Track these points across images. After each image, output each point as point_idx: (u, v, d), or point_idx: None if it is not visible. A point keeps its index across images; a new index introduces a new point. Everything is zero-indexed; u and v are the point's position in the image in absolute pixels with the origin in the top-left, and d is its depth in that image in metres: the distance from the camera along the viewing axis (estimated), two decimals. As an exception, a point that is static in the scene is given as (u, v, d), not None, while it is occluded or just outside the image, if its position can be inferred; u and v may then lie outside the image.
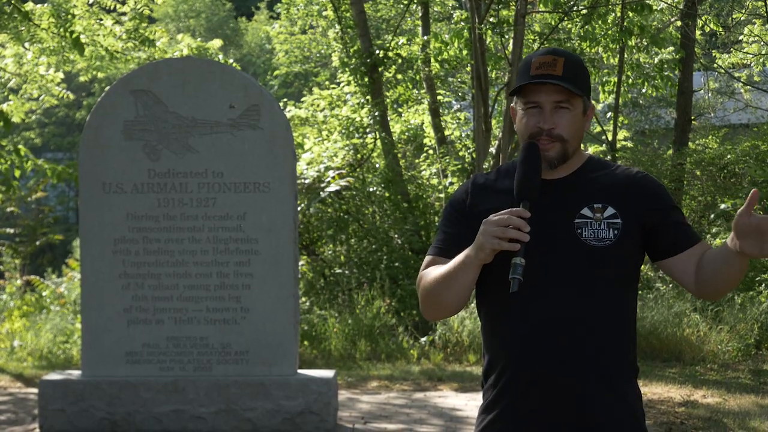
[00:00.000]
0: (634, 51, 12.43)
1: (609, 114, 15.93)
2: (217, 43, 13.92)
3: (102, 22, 11.90)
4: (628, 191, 2.42)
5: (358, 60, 13.02)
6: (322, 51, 17.47)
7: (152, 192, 6.38)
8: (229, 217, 6.36)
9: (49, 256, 18.58)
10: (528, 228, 2.24)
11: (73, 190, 27.55)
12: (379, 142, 13.08)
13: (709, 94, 19.22)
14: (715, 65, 15.50)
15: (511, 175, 2.43)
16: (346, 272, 11.17)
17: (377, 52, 13.03)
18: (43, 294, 12.04)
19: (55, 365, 9.55)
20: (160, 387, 6.22)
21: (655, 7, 12.14)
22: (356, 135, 13.13)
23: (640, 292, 2.61)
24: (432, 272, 2.45)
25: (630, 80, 12.53)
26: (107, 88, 6.96)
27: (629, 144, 15.91)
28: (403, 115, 14.63)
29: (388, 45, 13.38)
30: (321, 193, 11.27)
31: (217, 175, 6.38)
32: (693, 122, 14.14)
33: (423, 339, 9.77)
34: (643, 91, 13.61)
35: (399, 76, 13.97)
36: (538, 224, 2.31)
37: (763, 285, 10.18)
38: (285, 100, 16.25)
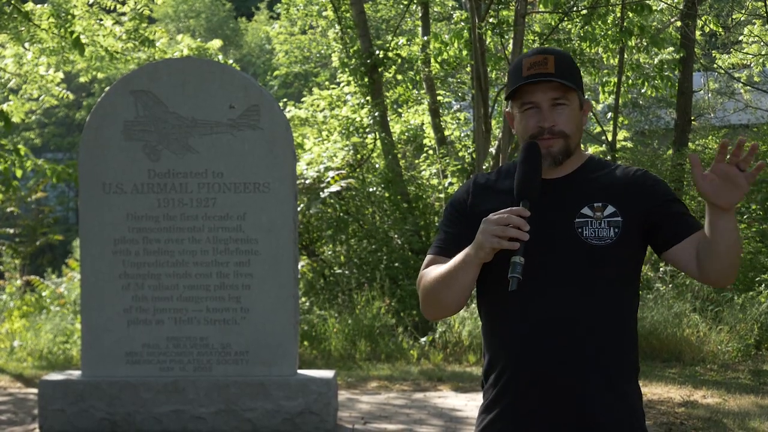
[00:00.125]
0: (634, 51, 12.43)
1: (609, 114, 15.93)
2: (216, 43, 13.92)
3: (102, 22, 11.90)
4: (627, 189, 2.41)
5: (358, 60, 13.03)
6: (322, 51, 17.47)
7: (152, 192, 6.39)
8: (229, 217, 6.36)
9: (49, 256, 18.58)
10: (528, 227, 2.24)
11: (73, 190, 27.56)
12: (378, 143, 13.08)
13: (709, 95, 19.22)
14: (715, 66, 15.51)
15: (512, 176, 2.43)
16: (346, 272, 11.17)
17: (377, 52, 13.03)
18: (43, 294, 12.04)
19: (55, 365, 9.54)
20: (160, 387, 6.22)
21: (654, 8, 12.14)
22: (356, 135, 13.13)
23: (639, 292, 2.58)
24: (432, 271, 2.46)
25: (630, 81, 12.53)
26: (107, 88, 6.96)
27: (629, 144, 15.92)
28: (403, 115, 14.63)
29: (388, 45, 13.38)
30: (321, 193, 11.27)
31: (217, 175, 6.38)
32: (693, 123, 14.15)
33: (423, 339, 9.77)
34: (643, 91, 13.61)
35: (399, 77, 13.98)
36: (538, 224, 2.31)
37: (763, 285, 10.18)
38: (285, 100, 16.26)
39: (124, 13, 12.04)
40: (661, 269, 10.57)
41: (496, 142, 11.62)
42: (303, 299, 10.77)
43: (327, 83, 16.22)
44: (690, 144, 13.36)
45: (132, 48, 12.12)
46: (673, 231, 2.38)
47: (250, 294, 6.33)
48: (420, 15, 14.35)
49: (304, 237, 11.52)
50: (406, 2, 14.73)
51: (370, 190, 12.39)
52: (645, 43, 12.10)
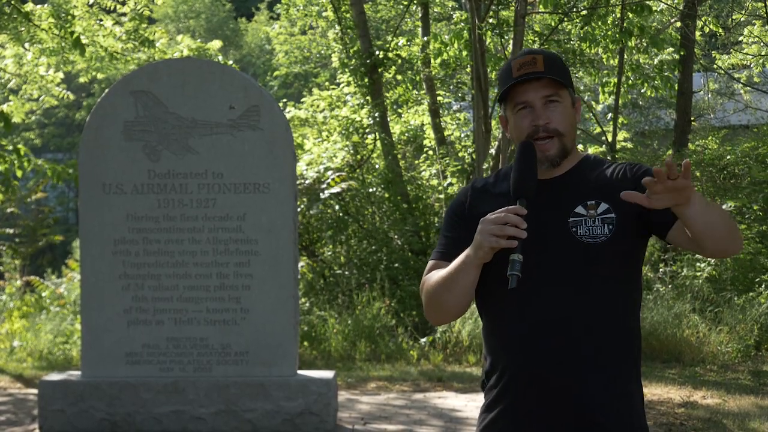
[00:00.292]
0: (634, 52, 12.44)
1: (609, 115, 15.93)
2: (216, 44, 13.92)
3: (102, 22, 11.90)
4: (620, 185, 2.39)
5: (357, 61, 13.03)
6: (322, 52, 17.47)
7: (152, 193, 6.39)
8: (229, 217, 6.36)
9: (48, 256, 18.59)
10: (525, 225, 2.25)
11: (73, 190, 27.56)
12: (378, 143, 13.08)
13: (709, 95, 19.22)
14: (715, 66, 15.50)
15: (509, 178, 2.43)
16: (346, 273, 11.17)
17: (377, 52, 13.03)
18: (43, 294, 12.04)
19: (54, 366, 9.54)
20: (160, 388, 6.22)
21: (654, 8, 12.14)
22: (356, 135, 13.13)
23: (642, 290, 2.57)
24: (434, 276, 2.47)
25: (630, 81, 12.53)
26: (107, 88, 6.96)
27: (629, 145, 15.91)
28: (402, 115, 14.63)
29: (388, 46, 13.38)
30: (321, 194, 11.27)
31: (217, 175, 6.38)
32: (693, 123, 14.16)
33: (423, 340, 9.77)
34: (643, 92, 13.62)
35: (399, 77, 13.98)
36: (533, 224, 2.32)
37: (763, 286, 10.18)
38: (285, 100, 16.26)
39: (124, 14, 12.04)
40: (660, 270, 10.57)
41: (496, 143, 11.62)
42: (303, 300, 10.77)
43: (327, 84, 16.22)
44: (690, 144, 13.36)
45: (132, 48, 12.12)
46: (668, 210, 2.33)
47: (250, 294, 6.33)
48: (420, 15, 14.35)
49: (304, 237, 11.53)
50: (406, 2, 14.73)
51: (370, 190, 12.39)
52: (645, 44, 12.10)
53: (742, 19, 15.34)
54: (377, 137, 12.96)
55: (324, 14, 15.32)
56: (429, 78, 13.73)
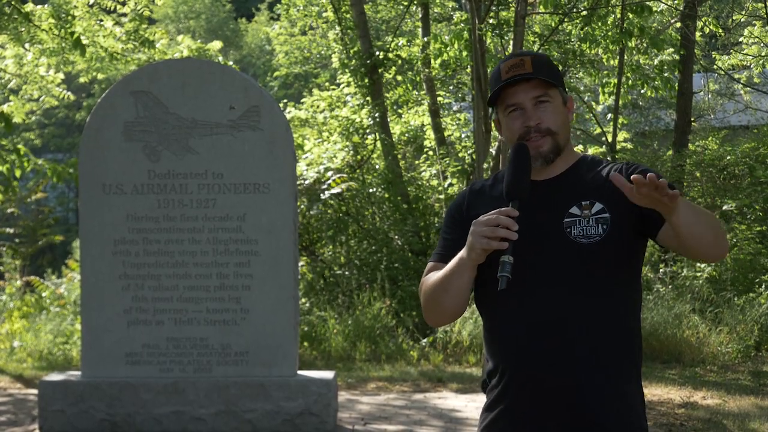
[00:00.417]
0: (634, 52, 12.44)
1: (609, 115, 15.93)
2: (217, 44, 13.92)
3: (102, 23, 11.90)
4: (613, 184, 2.39)
5: (358, 61, 13.03)
6: (322, 52, 17.47)
7: (152, 193, 6.39)
8: (229, 218, 6.36)
9: (48, 256, 18.60)
10: (516, 226, 2.26)
11: (73, 190, 27.57)
12: (378, 144, 13.09)
13: (709, 96, 19.22)
14: (715, 67, 15.50)
15: None
16: (346, 273, 11.17)
17: (377, 53, 13.03)
18: (43, 295, 12.04)
19: (54, 366, 9.54)
20: (160, 388, 6.22)
21: (655, 9, 12.14)
22: (356, 136, 13.13)
23: (641, 290, 2.56)
24: (431, 278, 2.49)
25: (630, 82, 12.53)
26: (107, 89, 6.96)
27: (629, 145, 15.91)
28: (403, 116, 14.63)
29: (388, 46, 13.38)
30: (321, 195, 11.27)
31: (217, 176, 6.38)
32: (693, 124, 14.15)
33: (423, 340, 9.77)
34: (643, 92, 13.61)
35: (399, 78, 13.98)
36: (529, 225, 2.33)
37: (763, 286, 10.18)
38: (285, 101, 16.26)
39: (124, 14, 12.04)
40: (661, 270, 10.57)
41: (497, 143, 11.62)
42: (303, 300, 10.77)
43: (327, 84, 16.22)
44: (690, 145, 13.36)
45: (132, 49, 12.12)
46: (657, 212, 2.32)
47: (250, 295, 6.33)
48: (420, 16, 14.35)
49: (304, 238, 11.53)
50: (406, 3, 14.73)
51: (370, 191, 12.39)
52: (645, 45, 12.10)
53: (742, 20, 15.34)
54: (377, 138, 12.96)
55: (324, 14, 15.31)
56: (429, 78, 13.73)
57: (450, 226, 2.54)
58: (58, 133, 31.98)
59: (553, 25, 12.05)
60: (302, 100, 15.41)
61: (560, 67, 12.07)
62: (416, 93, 14.25)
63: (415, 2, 14.07)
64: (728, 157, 11.98)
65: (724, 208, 10.93)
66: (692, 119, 13.73)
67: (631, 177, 2.15)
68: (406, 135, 14.27)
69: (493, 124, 12.04)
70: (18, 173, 9.47)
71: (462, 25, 11.65)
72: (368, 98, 13.07)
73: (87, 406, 6.21)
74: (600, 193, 2.41)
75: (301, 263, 11.22)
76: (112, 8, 11.72)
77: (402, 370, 8.96)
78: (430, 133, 13.95)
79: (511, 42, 10.73)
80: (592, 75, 12.64)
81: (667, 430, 6.51)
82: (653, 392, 7.75)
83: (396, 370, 8.96)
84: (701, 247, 2.29)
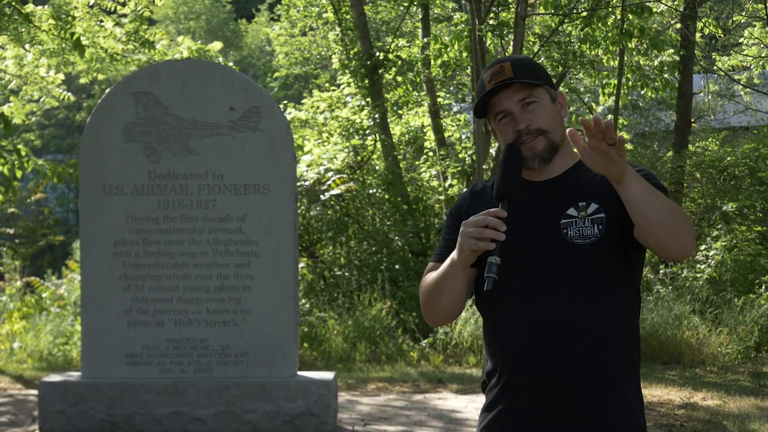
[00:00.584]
0: (634, 53, 12.44)
1: (609, 116, 15.93)
2: (217, 45, 13.92)
3: (102, 23, 11.90)
4: (610, 185, 2.37)
5: (358, 62, 13.03)
6: (322, 53, 17.48)
7: (152, 194, 6.39)
8: (229, 218, 6.36)
9: (49, 257, 18.61)
10: (504, 227, 2.26)
11: (73, 191, 27.58)
12: (379, 144, 13.09)
13: (709, 97, 19.22)
14: (715, 68, 15.50)
15: None
16: (346, 274, 11.17)
17: (377, 54, 13.04)
18: (43, 296, 12.04)
19: (54, 367, 9.54)
20: (160, 389, 6.22)
21: (655, 10, 12.15)
22: (356, 137, 13.13)
23: (640, 291, 2.56)
24: (428, 278, 2.51)
25: (630, 83, 12.53)
26: (107, 90, 6.96)
27: (629, 146, 15.90)
28: (403, 117, 14.63)
29: (388, 47, 13.39)
30: (321, 196, 11.27)
31: (217, 176, 6.39)
32: (693, 125, 14.16)
33: (424, 341, 9.77)
34: (643, 93, 13.61)
35: (399, 78, 13.98)
36: (527, 227, 2.35)
37: (763, 287, 10.18)
38: (285, 102, 16.26)
39: (124, 15, 12.04)
40: (661, 271, 10.57)
41: (497, 144, 11.63)
42: (303, 301, 10.77)
43: (327, 85, 16.24)
44: (690, 146, 13.37)
45: (132, 50, 12.11)
46: None
47: (250, 295, 6.33)
48: (420, 17, 14.36)
49: (304, 238, 11.53)
50: (406, 4, 14.73)
51: (371, 191, 12.39)
52: (645, 46, 12.10)
53: (742, 21, 15.35)
54: (377, 138, 12.96)
55: (324, 15, 15.32)
56: (429, 79, 13.73)
57: (450, 227, 2.56)
58: (59, 134, 31.99)
59: (553, 26, 12.05)
60: (302, 101, 15.41)
61: (560, 68, 12.07)
62: (416, 94, 14.25)
63: (415, 3, 14.08)
64: (728, 158, 11.98)
65: (724, 209, 10.93)
66: (692, 120, 13.73)
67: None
68: (407, 136, 14.27)
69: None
70: (19, 174, 9.47)
71: (462, 26, 11.66)
72: (368, 99, 13.07)
73: (87, 406, 6.21)
74: (596, 193, 2.42)
75: (301, 264, 11.22)
76: (113, 9, 11.72)
77: (402, 371, 8.96)
78: (430, 134, 13.95)
79: (512, 43, 10.73)
80: (592, 76, 12.64)
81: (667, 431, 6.52)
82: (653, 393, 7.75)
83: (396, 371, 8.96)
84: (660, 235, 2.26)
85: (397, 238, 11.80)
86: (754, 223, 11.11)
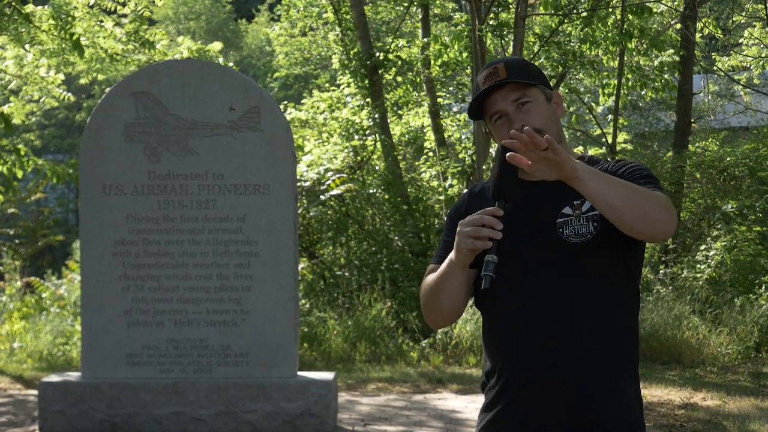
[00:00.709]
0: (634, 54, 12.44)
1: (609, 116, 15.93)
2: (217, 45, 13.93)
3: (102, 24, 11.90)
4: None
5: (358, 62, 13.03)
6: (322, 53, 17.48)
7: (152, 194, 6.39)
8: (229, 219, 6.36)
9: (49, 257, 18.61)
10: (501, 226, 2.26)
11: (73, 191, 27.58)
12: (379, 145, 13.09)
13: (709, 97, 19.22)
14: (715, 68, 15.51)
15: None
16: (346, 274, 11.18)
17: (377, 54, 13.04)
18: (43, 296, 12.04)
19: (54, 367, 9.54)
20: (160, 389, 6.22)
21: (655, 10, 12.15)
22: (356, 137, 13.14)
23: (639, 289, 2.56)
24: (428, 279, 2.51)
25: (630, 83, 12.54)
26: (107, 90, 6.96)
27: (629, 147, 15.92)
28: (403, 117, 14.64)
29: (388, 47, 13.39)
30: (321, 196, 11.28)
31: (218, 177, 6.39)
32: (693, 125, 14.15)
33: (423, 342, 9.77)
34: (643, 93, 13.62)
35: (399, 79, 13.99)
36: (523, 226, 2.35)
37: (763, 287, 10.18)
38: (285, 102, 16.27)
39: (124, 15, 12.04)
40: (661, 271, 10.57)
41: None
42: (303, 301, 10.77)
43: (327, 85, 16.24)
44: (690, 146, 13.36)
45: (132, 50, 12.12)
46: None
47: (250, 296, 6.33)
48: (420, 17, 14.36)
49: (304, 239, 11.53)
50: (406, 4, 14.74)
51: (370, 192, 12.39)
52: (645, 46, 12.11)
53: (742, 21, 15.35)
54: (377, 139, 12.97)
55: (324, 15, 15.32)
56: (429, 79, 13.74)
57: (449, 229, 2.55)
58: (59, 134, 32.00)
59: (553, 26, 12.06)
60: (302, 101, 15.42)
61: (560, 69, 12.07)
62: (416, 94, 14.25)
63: (415, 3, 14.08)
64: (728, 159, 11.97)
65: (724, 209, 10.93)
66: (692, 120, 13.73)
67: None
68: (406, 136, 14.28)
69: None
70: (19, 174, 9.47)
71: (462, 26, 11.66)
72: (368, 99, 13.07)
73: (87, 406, 6.21)
74: None
75: (301, 264, 11.22)
76: (113, 9, 11.73)
77: (402, 371, 8.96)
78: (430, 134, 13.96)
79: (512, 43, 10.74)
80: (592, 76, 12.65)
81: (667, 431, 6.52)
82: (653, 393, 7.75)
83: (396, 371, 8.96)
84: (630, 220, 2.23)
85: (397, 238, 11.80)
86: (754, 223, 11.11)
